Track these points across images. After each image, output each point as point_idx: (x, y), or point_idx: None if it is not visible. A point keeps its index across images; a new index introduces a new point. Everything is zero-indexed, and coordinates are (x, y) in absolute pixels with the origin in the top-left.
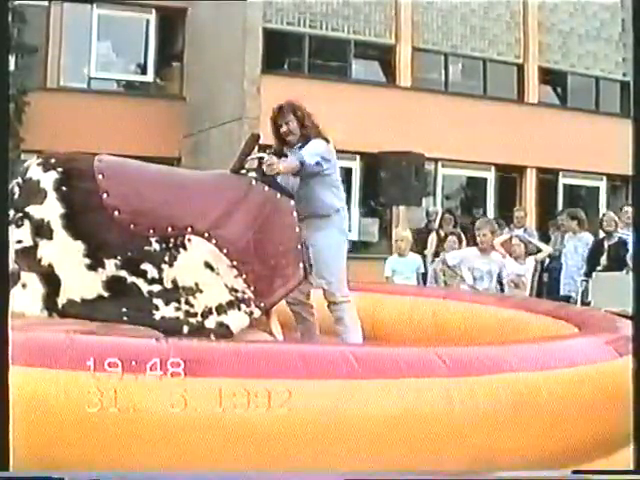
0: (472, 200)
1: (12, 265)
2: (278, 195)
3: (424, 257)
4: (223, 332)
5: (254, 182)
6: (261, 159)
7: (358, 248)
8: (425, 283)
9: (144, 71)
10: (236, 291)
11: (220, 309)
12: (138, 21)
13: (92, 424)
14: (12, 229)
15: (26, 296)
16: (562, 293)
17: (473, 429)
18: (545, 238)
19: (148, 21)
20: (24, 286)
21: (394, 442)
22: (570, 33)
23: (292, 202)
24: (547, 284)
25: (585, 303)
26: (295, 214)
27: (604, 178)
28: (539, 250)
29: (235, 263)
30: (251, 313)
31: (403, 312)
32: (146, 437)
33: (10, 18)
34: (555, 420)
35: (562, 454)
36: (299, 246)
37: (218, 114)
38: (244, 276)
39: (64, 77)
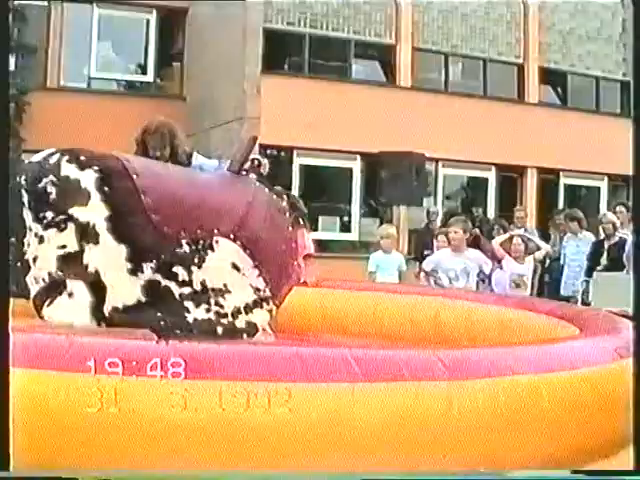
0: (473, 200)
1: (56, 272)
2: (274, 196)
3: (424, 257)
4: (253, 331)
5: (257, 183)
6: (258, 160)
7: (359, 248)
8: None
9: (144, 71)
10: (259, 290)
11: (247, 309)
12: (138, 21)
13: (92, 424)
14: (53, 233)
15: (74, 305)
16: (563, 293)
17: (472, 432)
18: (545, 238)
19: (148, 21)
20: (70, 295)
21: (394, 444)
22: (570, 33)
23: (284, 202)
24: (548, 284)
25: (586, 303)
26: (287, 214)
27: (605, 178)
28: (539, 249)
29: (257, 263)
30: (271, 310)
31: (404, 311)
32: (146, 437)
33: (10, 18)
34: (555, 423)
35: (562, 457)
36: (293, 244)
37: (218, 114)
38: (264, 275)
39: (64, 77)
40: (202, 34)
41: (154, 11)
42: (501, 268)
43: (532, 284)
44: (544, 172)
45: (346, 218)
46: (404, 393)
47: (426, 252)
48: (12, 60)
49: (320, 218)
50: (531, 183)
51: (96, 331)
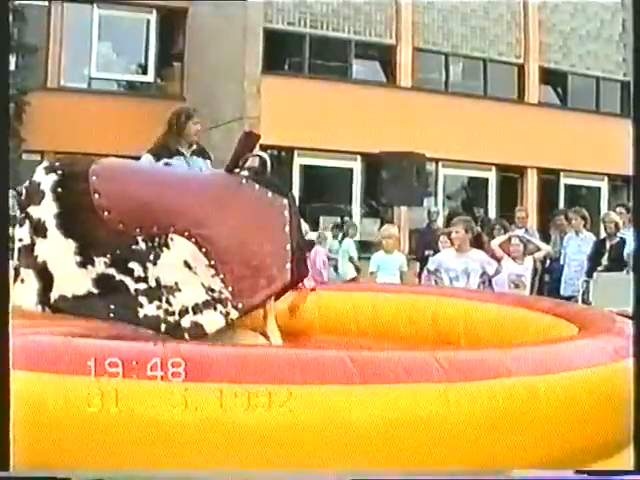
0: (473, 200)
1: (14, 261)
2: (269, 194)
3: (427, 257)
4: (198, 332)
5: (244, 181)
6: (260, 157)
7: (359, 248)
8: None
9: (144, 71)
10: (213, 291)
11: (196, 308)
12: (139, 21)
13: (93, 424)
14: (17, 228)
15: (23, 290)
16: (563, 293)
17: (471, 434)
18: (546, 238)
19: (149, 21)
20: (22, 281)
21: (391, 446)
22: (571, 33)
23: (285, 201)
24: (548, 284)
25: (586, 303)
26: (287, 213)
27: (605, 178)
28: (539, 249)
29: (214, 262)
30: (227, 314)
31: (402, 311)
32: (147, 437)
33: (11, 18)
34: (555, 424)
35: (562, 458)
36: (288, 247)
37: (218, 114)
38: (222, 276)
39: (64, 77)
40: (202, 34)
41: (154, 11)
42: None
43: (532, 284)
44: (544, 172)
45: (347, 218)
46: (402, 395)
47: (427, 252)
48: (12, 60)
49: (320, 218)
50: (531, 183)
51: (100, 329)
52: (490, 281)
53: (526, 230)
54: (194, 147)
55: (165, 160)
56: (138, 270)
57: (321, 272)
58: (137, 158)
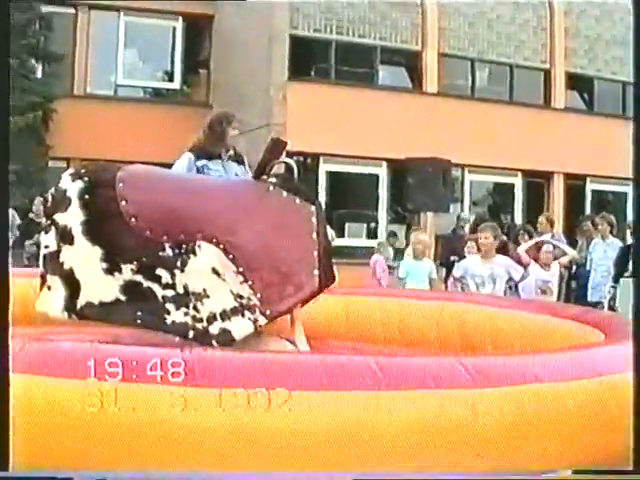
0: (499, 206)
1: (41, 268)
2: (297, 200)
3: (452, 263)
4: (225, 338)
5: (271, 188)
6: (287, 164)
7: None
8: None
9: (170, 78)
10: (241, 297)
11: (224, 315)
12: (164, 28)
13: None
14: (43, 235)
15: (50, 297)
16: (590, 299)
17: (497, 440)
18: (572, 243)
19: (174, 28)
20: (49, 288)
21: (417, 452)
22: (597, 38)
23: (312, 207)
24: (575, 290)
25: (613, 309)
26: (315, 220)
27: (632, 184)
28: (565, 254)
29: (242, 269)
30: (255, 320)
31: (429, 317)
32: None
33: (37, 26)
34: (581, 431)
35: (587, 464)
36: (315, 253)
37: (244, 121)
38: (250, 282)
39: (91, 84)
40: (228, 41)
41: (180, 18)
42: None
43: (559, 290)
44: (571, 178)
45: (373, 224)
46: (428, 401)
47: (452, 258)
48: (39, 68)
49: (347, 224)
50: (558, 189)
51: (134, 336)
52: (517, 287)
53: (552, 235)
54: (231, 152)
55: (204, 162)
56: (165, 277)
57: (380, 281)
58: (163, 165)
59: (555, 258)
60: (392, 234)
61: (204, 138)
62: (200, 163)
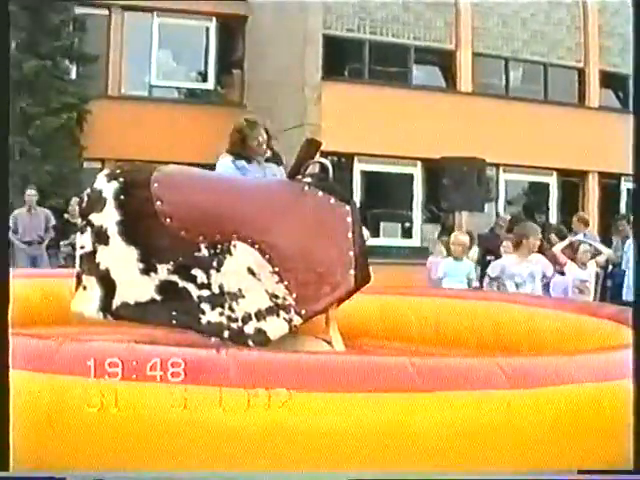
0: (534, 205)
1: (77, 268)
2: (332, 200)
3: (487, 263)
4: (261, 339)
5: (306, 187)
6: (322, 164)
7: (420, 254)
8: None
9: (204, 79)
10: (277, 297)
11: (259, 315)
12: (198, 29)
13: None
14: (78, 235)
15: (85, 298)
16: (625, 298)
17: (533, 441)
18: (607, 243)
19: (208, 29)
20: (85, 288)
21: (454, 452)
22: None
23: (348, 207)
24: (611, 289)
25: None
26: (350, 219)
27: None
28: (600, 254)
29: (277, 269)
30: (290, 320)
31: (465, 317)
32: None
33: (71, 27)
34: (617, 431)
35: (625, 463)
36: (351, 253)
37: (279, 121)
38: (286, 282)
39: (125, 85)
40: (262, 41)
41: (214, 19)
42: (563, 274)
43: (595, 289)
44: (606, 177)
45: (407, 224)
46: (464, 402)
47: (488, 257)
48: (73, 69)
49: (381, 224)
50: (593, 188)
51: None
52: (548, 285)
53: (584, 235)
54: (268, 154)
55: (242, 164)
56: (201, 277)
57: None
58: (197, 165)
59: (591, 257)
60: (442, 233)
61: (239, 142)
62: (239, 164)
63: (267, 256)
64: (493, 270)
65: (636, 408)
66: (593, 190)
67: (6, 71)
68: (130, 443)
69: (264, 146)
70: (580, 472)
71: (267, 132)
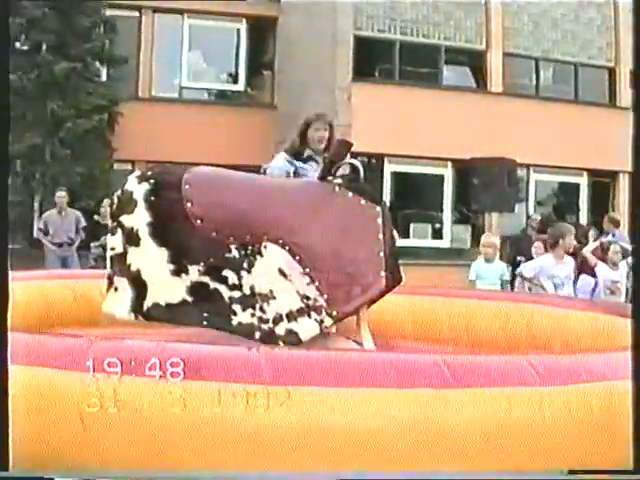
0: (565, 206)
1: (107, 270)
2: (362, 201)
3: (518, 264)
4: (292, 340)
5: (337, 189)
6: (353, 165)
7: (450, 255)
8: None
9: (235, 80)
10: (308, 298)
11: (290, 316)
12: (228, 30)
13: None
14: (109, 237)
15: (116, 299)
16: None
17: (565, 438)
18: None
19: (239, 30)
20: (116, 289)
21: (485, 451)
22: None
23: (378, 208)
24: None
25: None
26: (380, 220)
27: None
28: (630, 254)
29: (308, 270)
30: (322, 321)
31: (497, 318)
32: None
33: (102, 29)
34: None
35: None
36: (382, 254)
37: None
38: (317, 283)
39: (156, 87)
40: (292, 42)
41: (244, 20)
42: (594, 275)
43: (626, 290)
44: None
45: (437, 225)
46: (497, 399)
47: (519, 258)
48: (104, 71)
49: (412, 225)
50: (624, 188)
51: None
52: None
53: (613, 235)
54: (325, 154)
55: (299, 164)
56: (232, 278)
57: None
58: (228, 166)
59: (623, 257)
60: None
61: (297, 141)
62: (298, 164)
63: (298, 257)
64: (528, 270)
65: (636, 408)
66: (624, 190)
67: (6, 71)
68: (129, 443)
69: (324, 144)
70: (571, 472)
71: (332, 130)
